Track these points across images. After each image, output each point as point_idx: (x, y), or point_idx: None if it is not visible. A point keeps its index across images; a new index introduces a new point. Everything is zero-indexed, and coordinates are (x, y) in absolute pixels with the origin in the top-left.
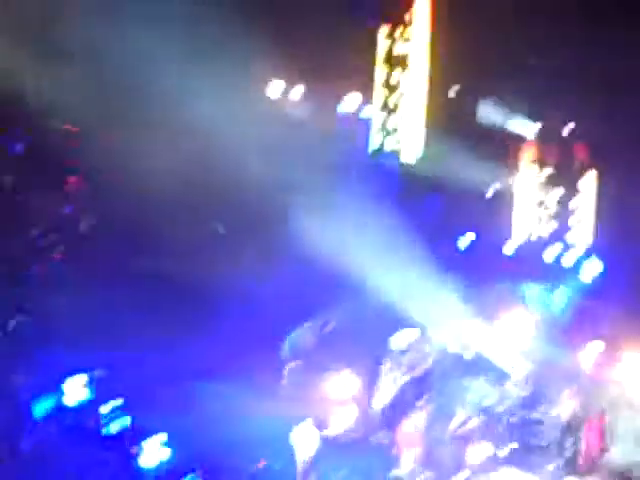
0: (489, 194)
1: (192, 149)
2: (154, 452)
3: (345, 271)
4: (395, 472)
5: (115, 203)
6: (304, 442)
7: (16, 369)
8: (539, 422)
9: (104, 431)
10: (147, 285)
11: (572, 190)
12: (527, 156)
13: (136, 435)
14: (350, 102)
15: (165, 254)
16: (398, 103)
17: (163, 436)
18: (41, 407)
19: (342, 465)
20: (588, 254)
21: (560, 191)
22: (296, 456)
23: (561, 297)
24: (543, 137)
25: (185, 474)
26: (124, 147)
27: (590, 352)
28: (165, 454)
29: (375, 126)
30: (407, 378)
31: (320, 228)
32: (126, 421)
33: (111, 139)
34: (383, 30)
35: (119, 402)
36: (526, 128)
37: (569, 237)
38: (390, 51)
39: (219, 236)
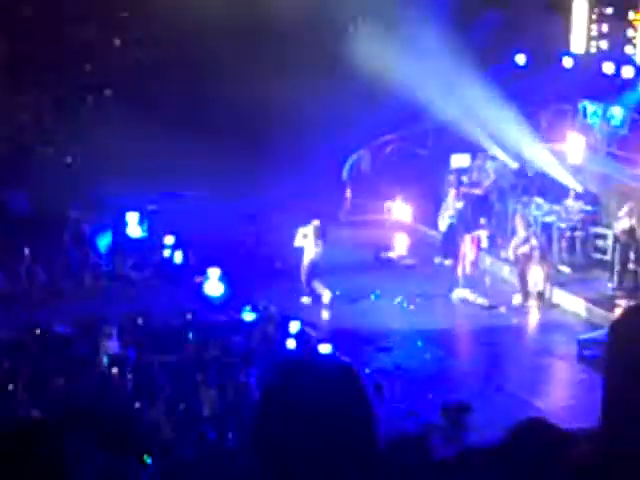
0: (545, 5)
1: None
2: (216, 283)
3: (403, 92)
4: (458, 292)
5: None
6: (308, 245)
7: (74, 205)
8: (602, 236)
9: (168, 262)
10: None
11: (631, 3)
12: None
13: (198, 266)
14: None
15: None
16: None
17: (218, 270)
18: (103, 242)
19: (402, 289)
20: None
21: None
22: (303, 258)
23: (620, 112)
24: None
25: (244, 305)
26: None
27: None
28: (224, 286)
29: None
30: (469, 197)
31: (378, 49)
32: (186, 254)
33: None
34: None
35: (172, 238)
36: None
37: (628, 50)
38: None
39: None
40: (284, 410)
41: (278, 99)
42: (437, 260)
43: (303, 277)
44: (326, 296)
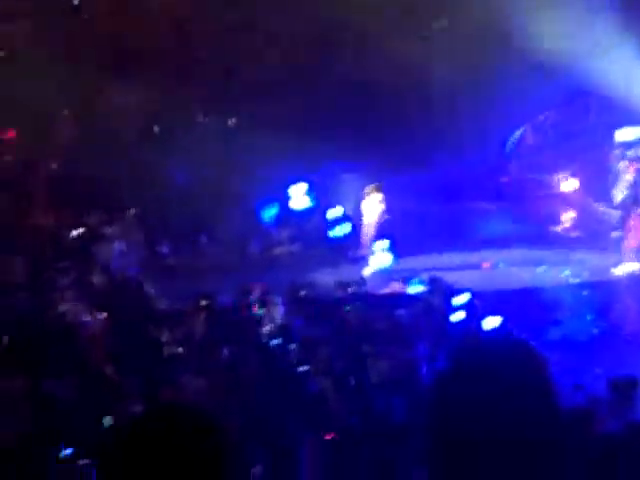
0: None
1: None
2: (383, 254)
3: (566, 65)
4: (626, 266)
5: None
6: (371, 208)
7: (241, 176)
8: None
9: (330, 234)
10: None
11: None
12: None
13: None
14: None
15: None
16: None
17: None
18: (268, 212)
19: (570, 262)
20: None
21: None
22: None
23: None
24: None
25: (411, 277)
26: None
27: None
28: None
29: None
30: (638, 172)
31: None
32: (352, 226)
33: None
34: None
35: (340, 209)
36: None
37: None
38: None
39: None
40: (463, 393)
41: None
42: (614, 234)
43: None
44: None
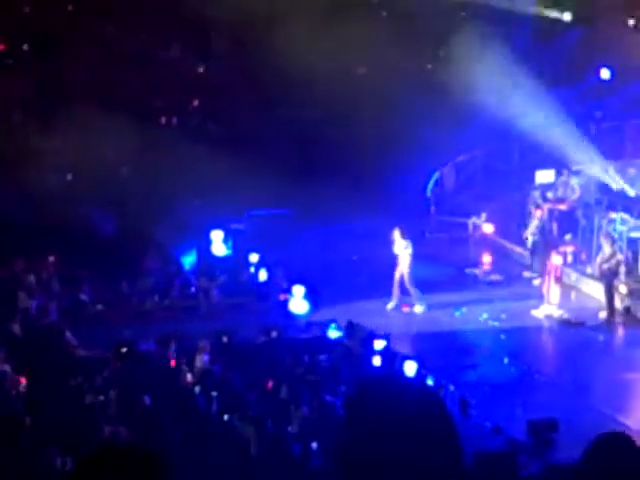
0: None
1: None
2: (301, 301)
3: (486, 109)
4: (543, 309)
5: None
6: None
7: (161, 225)
8: None
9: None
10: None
11: None
12: None
13: (282, 284)
14: None
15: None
16: None
17: (303, 288)
18: (187, 260)
19: (487, 305)
20: None
21: None
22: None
23: None
24: None
25: (329, 323)
26: None
27: None
28: (309, 304)
29: None
30: (554, 213)
31: (464, 68)
32: (270, 273)
33: None
34: None
35: (257, 256)
36: None
37: None
38: None
39: None
40: (365, 430)
41: (366, 120)
42: (526, 274)
43: (409, 283)
44: (419, 307)
